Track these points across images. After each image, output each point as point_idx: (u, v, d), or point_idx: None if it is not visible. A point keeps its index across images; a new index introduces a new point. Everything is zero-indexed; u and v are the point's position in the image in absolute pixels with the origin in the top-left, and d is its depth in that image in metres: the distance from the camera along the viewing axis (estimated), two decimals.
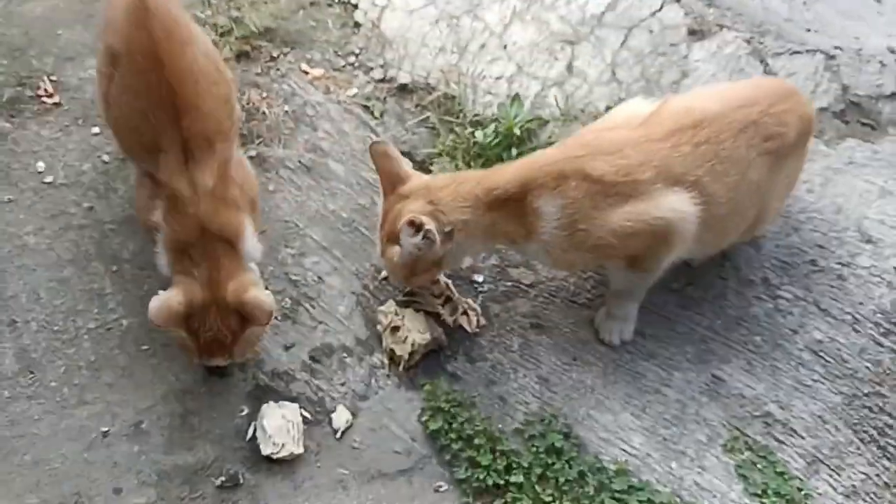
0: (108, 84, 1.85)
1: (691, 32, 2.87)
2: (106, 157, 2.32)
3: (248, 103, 2.45)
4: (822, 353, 2.16)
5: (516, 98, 2.45)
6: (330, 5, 2.74)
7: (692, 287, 2.24)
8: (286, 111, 2.47)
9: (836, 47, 2.92)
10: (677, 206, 1.81)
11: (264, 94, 2.49)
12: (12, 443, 1.85)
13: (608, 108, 2.55)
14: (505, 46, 2.72)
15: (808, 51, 2.90)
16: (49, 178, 2.26)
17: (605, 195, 1.78)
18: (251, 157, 2.33)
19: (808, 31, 3.06)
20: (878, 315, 2.22)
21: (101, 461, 1.84)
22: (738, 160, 1.87)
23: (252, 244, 1.88)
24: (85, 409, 1.91)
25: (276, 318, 2.10)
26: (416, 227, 1.77)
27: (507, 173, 1.86)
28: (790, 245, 2.34)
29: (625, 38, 2.82)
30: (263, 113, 2.45)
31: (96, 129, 2.36)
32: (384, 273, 2.20)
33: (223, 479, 1.85)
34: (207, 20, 2.62)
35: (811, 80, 2.78)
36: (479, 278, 2.20)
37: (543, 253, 1.89)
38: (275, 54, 2.60)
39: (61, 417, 1.89)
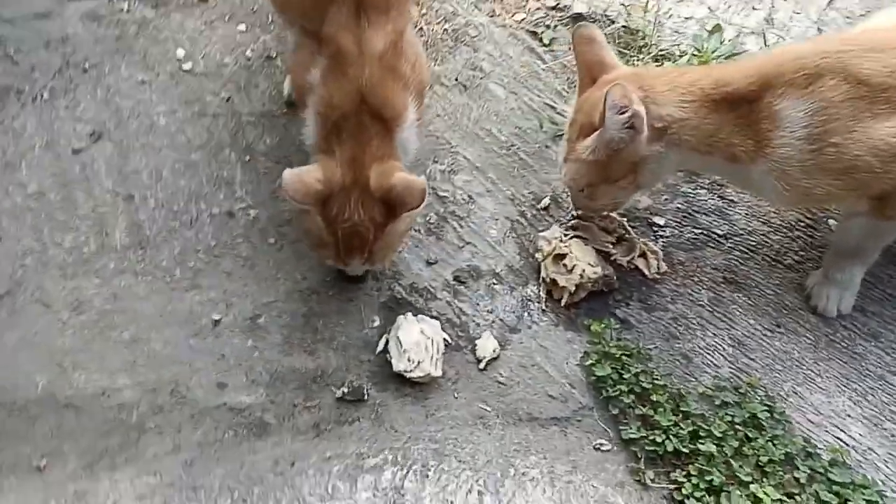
0: None
1: None
2: (249, 53, 2.23)
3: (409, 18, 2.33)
4: None
5: (717, 28, 2.23)
6: None
7: None
8: (445, 29, 2.32)
9: None
10: None
11: (423, 12, 2.36)
12: (112, 317, 1.70)
13: None
14: None
15: None
16: (188, 66, 2.18)
17: (870, 102, 1.48)
18: None
19: None
20: None
21: (208, 351, 1.66)
22: None
23: (411, 133, 1.70)
24: (197, 294, 1.74)
25: (419, 230, 1.90)
26: (623, 106, 1.53)
27: (743, 67, 1.58)
28: None
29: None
30: (421, 29, 2.32)
31: (242, 27, 2.29)
32: (545, 202, 1.97)
33: (345, 390, 1.63)
34: None
35: None
36: (661, 221, 1.94)
37: (773, 178, 1.57)
38: None
39: (170, 299, 1.73)
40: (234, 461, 1.52)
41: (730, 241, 1.92)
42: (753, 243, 1.91)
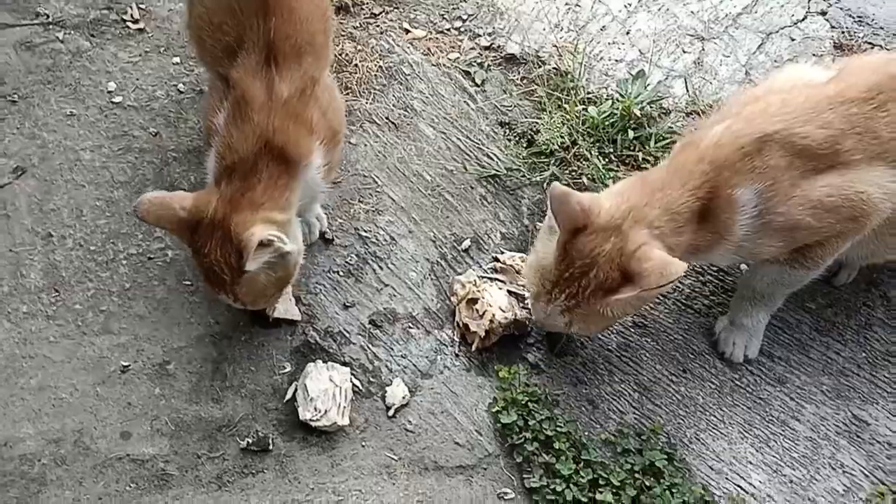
0: None
1: (837, 46, 2.55)
2: (182, 87, 2.14)
3: (340, 54, 2.26)
4: None
5: (640, 75, 2.18)
6: None
7: (832, 310, 1.86)
8: (380, 66, 2.25)
9: None
10: (881, 181, 1.47)
11: (359, 48, 2.29)
12: (20, 362, 1.61)
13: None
14: (628, 32, 2.47)
15: None
16: (118, 99, 2.09)
17: (805, 167, 1.45)
18: None
19: None
20: None
21: (115, 399, 1.58)
22: None
23: (317, 178, 1.62)
24: (107, 339, 1.66)
25: (338, 272, 1.83)
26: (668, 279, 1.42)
27: (703, 163, 1.49)
28: None
29: (762, 41, 2.53)
30: (356, 65, 2.25)
31: (177, 59, 2.20)
32: (465, 244, 1.91)
33: (249, 440, 1.55)
34: None
35: None
36: None
37: (726, 254, 1.55)
38: (376, 11, 2.42)
39: (79, 344, 1.65)
40: None
41: None
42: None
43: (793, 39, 2.51)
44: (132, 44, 2.23)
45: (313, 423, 1.55)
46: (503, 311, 1.72)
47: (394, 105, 2.19)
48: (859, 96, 1.46)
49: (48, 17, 2.25)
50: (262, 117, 1.53)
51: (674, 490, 1.53)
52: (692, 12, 2.57)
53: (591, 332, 1.65)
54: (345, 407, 1.58)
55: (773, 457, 1.65)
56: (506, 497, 1.56)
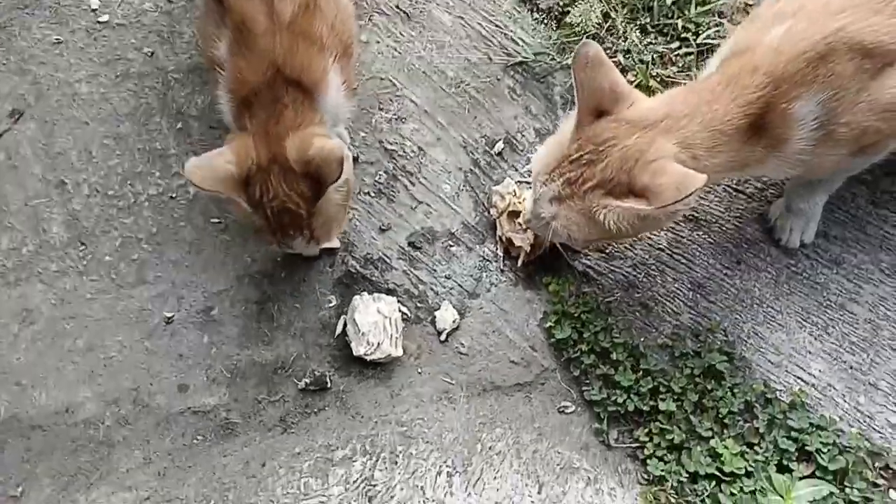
0: None
1: None
2: None
3: None
4: None
5: None
6: None
7: (890, 179, 1.73)
8: None
9: None
10: None
11: None
12: (62, 325, 1.56)
13: None
14: None
15: None
16: (104, 17, 1.87)
17: (875, 68, 1.26)
18: None
19: None
20: None
21: (165, 352, 1.54)
22: None
23: (336, 98, 1.47)
24: (144, 290, 1.59)
25: (368, 193, 1.72)
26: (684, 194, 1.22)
27: (757, 73, 1.30)
28: None
29: None
30: None
31: None
32: (499, 146, 1.77)
33: (307, 381, 1.53)
34: None
35: None
36: None
37: (779, 168, 1.39)
38: None
39: (117, 298, 1.59)
40: (205, 467, 1.46)
41: None
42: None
43: None
44: None
45: (368, 357, 1.51)
46: None
47: None
48: None
49: None
50: (269, 43, 1.35)
51: (735, 390, 1.51)
52: None
53: (575, 238, 1.38)
54: (397, 337, 1.54)
55: (833, 344, 1.60)
56: (567, 411, 1.55)
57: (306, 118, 1.40)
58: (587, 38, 1.86)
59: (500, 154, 1.77)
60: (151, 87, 1.81)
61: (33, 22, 1.87)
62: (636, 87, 1.73)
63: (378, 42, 1.88)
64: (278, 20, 1.36)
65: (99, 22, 1.88)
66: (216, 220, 1.68)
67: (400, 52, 1.87)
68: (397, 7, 1.92)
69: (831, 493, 1.36)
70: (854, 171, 1.54)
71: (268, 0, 1.37)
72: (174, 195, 1.70)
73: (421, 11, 1.92)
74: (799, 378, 1.57)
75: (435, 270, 1.66)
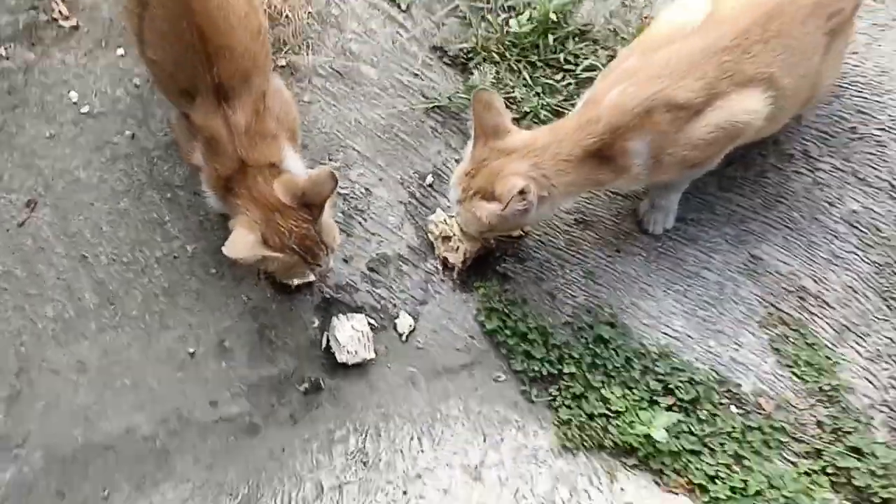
0: (139, 23, 1.79)
1: None
2: (137, 81, 2.28)
3: (269, 7, 2.34)
4: (857, 224, 2.21)
5: None
6: None
7: (732, 167, 2.25)
8: (309, 13, 2.36)
9: None
10: (750, 106, 1.79)
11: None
12: (111, 370, 2.01)
13: None
14: None
15: None
16: (85, 109, 2.24)
17: (685, 119, 1.76)
18: (281, 68, 2.27)
19: None
20: None
21: (193, 378, 2.02)
22: (806, 47, 1.80)
23: (295, 165, 1.89)
24: (169, 334, 2.05)
25: None
26: (522, 195, 1.75)
27: (595, 123, 1.79)
28: (831, 113, 2.31)
29: None
30: (287, 17, 2.35)
31: (121, 51, 2.30)
32: (429, 179, 2.23)
33: (306, 385, 2.03)
34: None
35: None
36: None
37: (627, 185, 1.93)
38: None
39: (148, 343, 2.04)
40: (240, 458, 1.97)
41: None
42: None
43: None
44: (73, 44, 2.31)
45: (349, 363, 2.02)
46: (473, 243, 2.11)
47: (333, 52, 2.35)
48: (729, 45, 1.72)
49: None
50: (232, 147, 1.77)
51: (618, 350, 2.06)
52: None
53: (473, 231, 1.94)
54: (368, 344, 2.04)
55: (690, 304, 2.16)
56: (499, 380, 2.09)
57: (278, 167, 1.82)
58: (489, 77, 2.32)
59: (430, 185, 2.23)
60: (139, 165, 2.21)
61: (26, 120, 2.23)
62: (532, 115, 2.22)
63: (319, 101, 2.29)
64: (237, 130, 1.78)
65: (82, 113, 2.25)
66: (213, 271, 2.13)
67: (339, 108, 2.29)
68: (332, 68, 2.33)
69: (680, 421, 1.94)
70: (693, 177, 2.06)
71: (225, 116, 1.78)
72: (176, 255, 2.14)
73: (351, 69, 2.33)
74: (665, 334, 2.13)
75: (391, 287, 2.15)
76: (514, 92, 2.29)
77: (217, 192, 1.82)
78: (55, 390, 1.99)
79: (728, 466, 1.97)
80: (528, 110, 2.26)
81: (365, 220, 2.19)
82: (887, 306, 2.16)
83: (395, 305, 2.13)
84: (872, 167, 2.26)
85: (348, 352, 2.01)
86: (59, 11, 2.33)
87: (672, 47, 1.77)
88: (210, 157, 1.79)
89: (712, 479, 1.95)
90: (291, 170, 1.87)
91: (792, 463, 2.01)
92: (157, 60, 1.79)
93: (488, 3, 2.37)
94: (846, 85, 2.34)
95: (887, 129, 2.28)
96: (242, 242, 1.72)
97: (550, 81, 2.29)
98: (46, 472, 1.93)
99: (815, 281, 2.17)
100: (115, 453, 1.95)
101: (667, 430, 1.93)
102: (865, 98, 2.31)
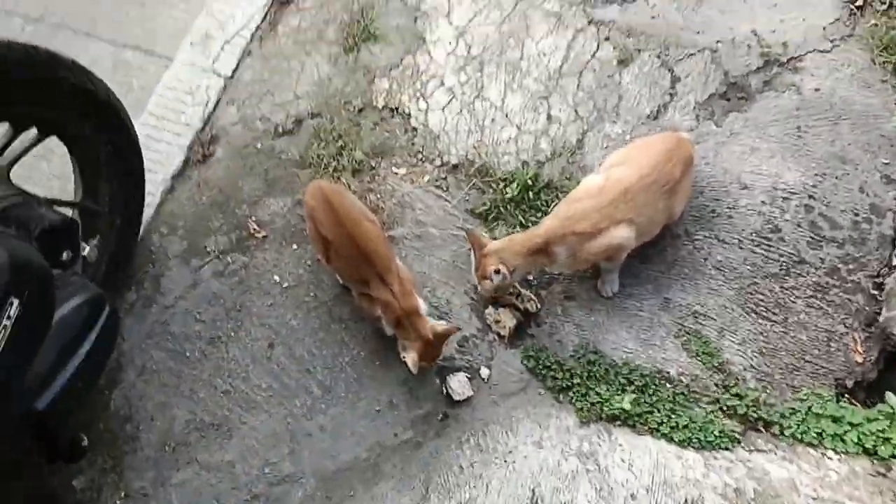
0: (325, 251, 3.52)
1: (620, 62, 4.30)
2: (309, 262, 4.00)
3: (369, 204, 4.06)
4: (721, 268, 3.92)
5: (524, 164, 4.02)
6: (392, 117, 4.21)
7: (649, 247, 3.96)
8: (394, 202, 4.07)
9: (717, 41, 4.36)
10: (622, 234, 3.50)
11: (378, 196, 4.08)
12: (339, 429, 3.77)
13: (579, 141, 4.11)
14: (506, 115, 4.20)
15: (698, 51, 4.35)
16: (286, 284, 3.96)
17: (586, 239, 3.48)
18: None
19: (698, 33, 4.42)
20: (753, 234, 3.95)
21: (382, 423, 3.75)
22: (651, 202, 3.52)
23: (423, 307, 3.62)
24: (363, 401, 3.78)
25: None
26: (497, 272, 3.49)
27: (537, 236, 3.51)
28: (699, 204, 4.01)
29: (578, 81, 4.27)
30: (381, 208, 4.06)
31: (295, 246, 4.01)
32: (480, 290, 3.97)
33: (440, 415, 3.77)
34: (322, 149, 4.13)
35: (703, 75, 4.26)
36: (530, 278, 3.95)
37: (560, 267, 3.66)
38: (373, 164, 4.14)
39: (354, 408, 3.78)
40: (416, 461, 3.73)
41: (562, 277, 3.96)
42: (572, 274, 3.96)
43: (595, 70, 4.25)
44: (267, 246, 4.02)
45: (461, 399, 3.77)
46: (511, 320, 3.84)
47: (411, 223, 4.07)
48: (615, 199, 3.44)
49: (214, 250, 4.02)
50: (397, 304, 3.51)
51: (601, 365, 3.78)
52: (535, 78, 4.27)
53: (487, 294, 3.59)
54: (468, 387, 3.78)
55: (634, 332, 3.85)
56: (541, 394, 3.83)
57: (423, 319, 3.59)
58: (497, 222, 4.03)
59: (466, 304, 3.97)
60: (326, 311, 3.94)
61: (254, 297, 3.95)
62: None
63: (409, 255, 4.01)
64: (397, 294, 3.51)
65: (284, 287, 3.97)
66: (377, 363, 3.87)
67: (422, 256, 4.01)
68: (414, 234, 4.05)
69: (638, 397, 3.67)
70: (617, 265, 3.78)
71: (389, 289, 3.51)
72: (355, 358, 3.88)
73: (422, 233, 4.04)
74: (625, 352, 3.85)
75: (472, 353, 3.88)
76: (513, 231, 4.00)
77: (395, 328, 3.55)
78: (311, 442, 3.75)
79: (668, 416, 3.71)
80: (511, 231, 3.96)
81: (449, 319, 3.93)
82: (745, 312, 3.88)
83: (478, 363, 3.87)
84: (727, 232, 3.97)
85: (458, 394, 3.75)
86: (254, 228, 4.05)
87: (581, 202, 3.50)
88: (387, 312, 3.52)
89: (661, 423, 3.69)
90: (421, 310, 3.60)
91: (703, 408, 3.75)
92: (342, 268, 3.52)
93: (491, 176, 4.06)
94: (705, 183, 4.05)
95: (732, 206, 3.99)
96: (412, 361, 3.48)
97: (534, 219, 4.00)
98: (317, 487, 3.70)
99: (702, 306, 3.89)
100: (351, 470, 3.72)
101: (632, 404, 3.66)
102: (716, 189, 4.02)
